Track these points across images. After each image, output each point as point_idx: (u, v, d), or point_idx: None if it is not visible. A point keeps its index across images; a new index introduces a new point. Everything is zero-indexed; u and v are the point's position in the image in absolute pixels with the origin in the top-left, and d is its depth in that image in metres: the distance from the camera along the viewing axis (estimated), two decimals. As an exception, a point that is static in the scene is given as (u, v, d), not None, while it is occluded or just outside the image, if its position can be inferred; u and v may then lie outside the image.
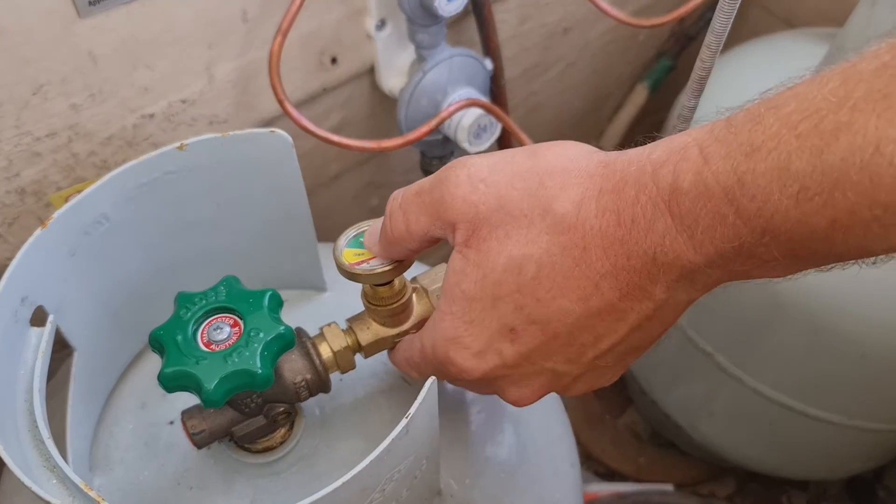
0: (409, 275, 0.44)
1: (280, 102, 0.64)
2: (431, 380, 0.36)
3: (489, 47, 0.81)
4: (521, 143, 0.77)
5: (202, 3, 0.60)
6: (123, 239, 0.48)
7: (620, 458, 1.24)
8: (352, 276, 0.41)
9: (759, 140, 0.27)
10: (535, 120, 1.10)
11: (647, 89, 1.22)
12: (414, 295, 0.45)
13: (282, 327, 0.42)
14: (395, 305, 0.44)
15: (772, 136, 0.26)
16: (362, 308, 0.46)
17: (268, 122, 0.72)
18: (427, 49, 0.72)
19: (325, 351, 0.45)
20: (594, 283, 0.32)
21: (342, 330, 0.46)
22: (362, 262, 0.41)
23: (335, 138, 0.67)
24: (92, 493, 0.35)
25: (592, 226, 0.32)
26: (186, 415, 0.45)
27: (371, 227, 0.41)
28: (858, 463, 1.06)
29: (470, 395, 0.54)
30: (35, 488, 0.34)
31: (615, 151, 0.34)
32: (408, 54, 0.76)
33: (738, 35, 0.96)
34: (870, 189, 0.24)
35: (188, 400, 0.45)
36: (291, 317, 0.44)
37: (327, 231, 0.62)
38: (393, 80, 0.77)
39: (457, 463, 0.51)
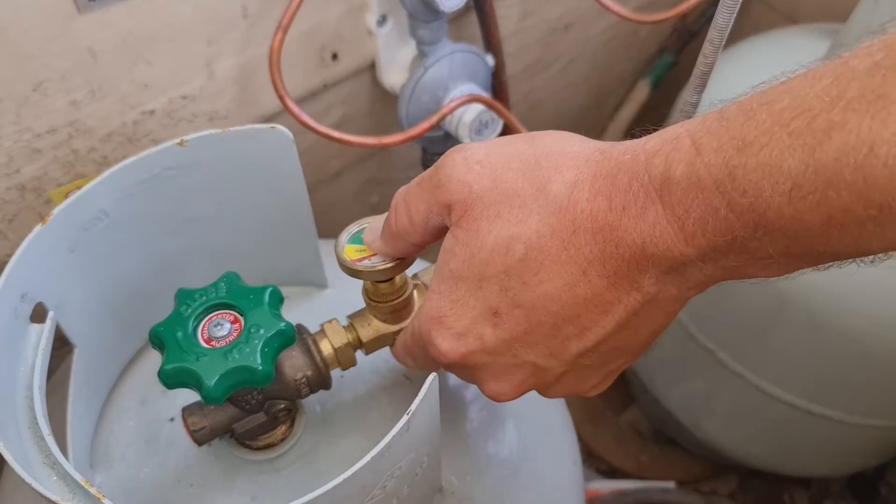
0: (410, 271, 0.43)
1: (281, 98, 0.64)
2: (433, 376, 0.36)
3: (490, 43, 0.81)
4: (522, 140, 0.77)
5: (202, -2, 0.60)
6: (123, 235, 0.48)
7: (622, 455, 1.24)
8: (353, 272, 0.41)
9: (751, 135, 0.26)
10: (536, 116, 1.10)
11: (649, 86, 1.22)
12: (415, 291, 0.45)
13: (282, 324, 0.41)
14: (396, 302, 0.44)
15: (764, 131, 0.26)
16: (363, 305, 0.46)
17: (268, 119, 0.72)
18: (428, 45, 0.72)
19: (326, 347, 0.45)
20: (581, 270, 0.32)
21: (343, 326, 0.46)
22: (364, 258, 0.41)
23: (336, 134, 0.67)
24: (92, 490, 0.35)
25: (583, 209, 0.31)
26: (187, 411, 0.45)
27: (371, 225, 0.41)
28: (860, 460, 1.06)
29: (471, 392, 0.54)
30: (35, 485, 0.34)
31: (612, 142, 0.33)
32: (409, 50, 0.76)
33: (741, 31, 0.95)
34: (864, 189, 0.23)
35: (189, 397, 0.45)
36: (292, 313, 0.44)
37: (328, 228, 0.62)
38: (394, 76, 0.77)
39: (458, 460, 0.51)
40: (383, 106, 0.83)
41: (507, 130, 0.82)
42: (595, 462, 1.25)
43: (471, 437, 0.52)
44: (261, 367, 0.40)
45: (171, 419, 0.51)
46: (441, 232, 0.37)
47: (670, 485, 1.19)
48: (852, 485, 1.22)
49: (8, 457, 0.35)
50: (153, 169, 0.47)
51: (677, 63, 1.21)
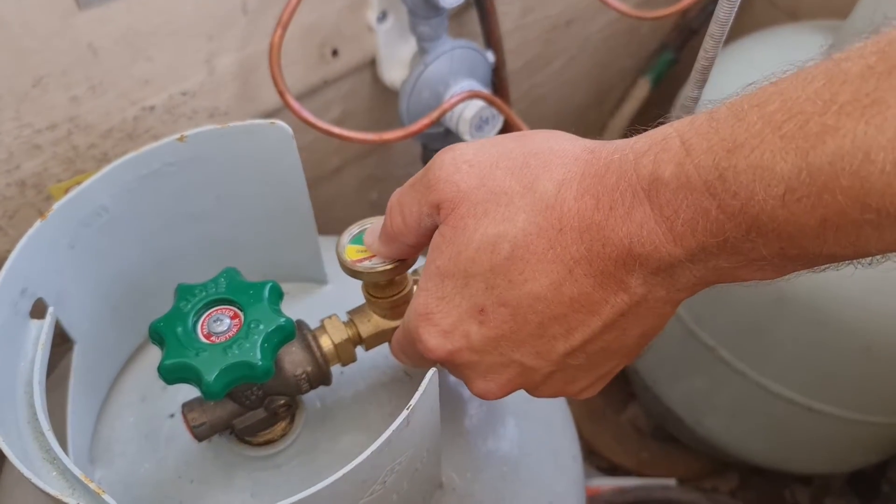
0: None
1: (281, 94, 0.64)
2: (432, 371, 0.36)
3: (491, 39, 0.81)
4: (523, 136, 0.76)
5: (202, -6, 0.59)
6: (123, 231, 0.48)
7: (623, 452, 1.24)
8: (354, 273, 0.41)
9: (741, 137, 0.26)
10: (537, 113, 1.10)
11: (650, 83, 1.22)
12: (415, 287, 0.45)
13: (282, 319, 0.41)
14: (395, 298, 0.44)
15: (755, 134, 0.26)
16: (363, 301, 0.46)
17: (269, 115, 0.72)
18: (428, 41, 0.72)
19: (326, 343, 0.45)
20: (568, 269, 0.31)
21: (343, 322, 0.46)
22: (365, 259, 0.41)
23: (336, 130, 0.66)
24: (92, 486, 0.35)
25: (570, 208, 0.31)
26: (187, 407, 0.45)
27: (371, 226, 0.41)
28: (862, 457, 1.06)
29: (471, 388, 0.54)
30: (35, 480, 0.34)
31: (602, 140, 0.33)
32: (409, 46, 0.76)
33: (742, 27, 0.95)
34: (861, 194, 0.23)
35: (188, 393, 0.45)
36: (292, 309, 0.44)
37: (328, 224, 0.62)
38: (394, 72, 0.77)
39: (458, 456, 0.51)
40: (383, 102, 0.83)
41: (507, 127, 0.81)
42: (595, 459, 1.25)
43: (471, 434, 0.52)
44: (261, 363, 0.40)
45: (171, 415, 0.51)
46: (433, 233, 0.37)
47: (671, 482, 1.19)
48: (853, 482, 1.22)
49: (8, 452, 0.35)
50: (153, 165, 0.47)
51: (678, 60, 1.20)
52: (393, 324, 0.45)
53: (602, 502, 1.11)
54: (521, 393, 0.39)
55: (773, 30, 0.95)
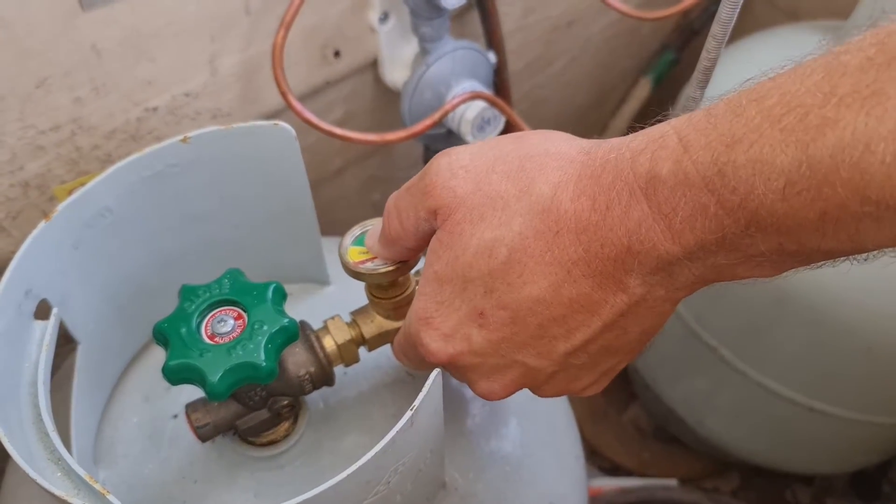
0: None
1: (283, 95, 0.64)
2: (436, 372, 0.36)
3: (493, 40, 0.81)
4: (524, 137, 0.77)
5: (205, -5, 0.60)
6: (127, 232, 0.48)
7: (624, 452, 1.24)
8: (356, 274, 0.41)
9: (740, 132, 0.26)
10: (538, 113, 1.10)
11: (651, 83, 1.22)
12: (417, 288, 0.45)
13: (285, 320, 0.42)
14: (398, 298, 0.44)
15: (753, 128, 0.26)
16: (366, 301, 0.46)
17: (271, 116, 0.72)
18: (430, 42, 0.72)
19: (329, 344, 0.45)
20: (566, 270, 0.31)
21: (346, 323, 0.46)
22: (367, 260, 0.41)
23: (338, 131, 0.67)
24: (96, 486, 0.35)
25: (567, 210, 0.31)
26: (190, 408, 0.45)
27: (372, 229, 0.41)
28: (863, 457, 1.06)
29: (474, 388, 0.54)
30: (40, 480, 0.34)
31: (598, 140, 0.33)
32: (411, 47, 0.76)
33: (743, 28, 0.95)
34: (861, 186, 0.23)
35: (192, 393, 0.45)
36: (295, 310, 0.44)
37: (331, 225, 0.62)
38: (396, 73, 0.77)
39: (461, 456, 0.51)
40: (385, 103, 0.83)
41: (508, 128, 0.82)
42: (597, 459, 1.25)
43: (474, 434, 0.52)
44: (264, 364, 0.40)
45: (175, 416, 0.51)
46: (432, 237, 0.37)
47: (672, 482, 1.19)
48: (855, 482, 1.22)
49: (12, 452, 0.35)
50: (156, 166, 0.47)
51: (679, 61, 1.21)
52: (396, 324, 0.45)
53: (604, 502, 1.11)
54: (524, 393, 0.39)
55: (773, 30, 0.95)
